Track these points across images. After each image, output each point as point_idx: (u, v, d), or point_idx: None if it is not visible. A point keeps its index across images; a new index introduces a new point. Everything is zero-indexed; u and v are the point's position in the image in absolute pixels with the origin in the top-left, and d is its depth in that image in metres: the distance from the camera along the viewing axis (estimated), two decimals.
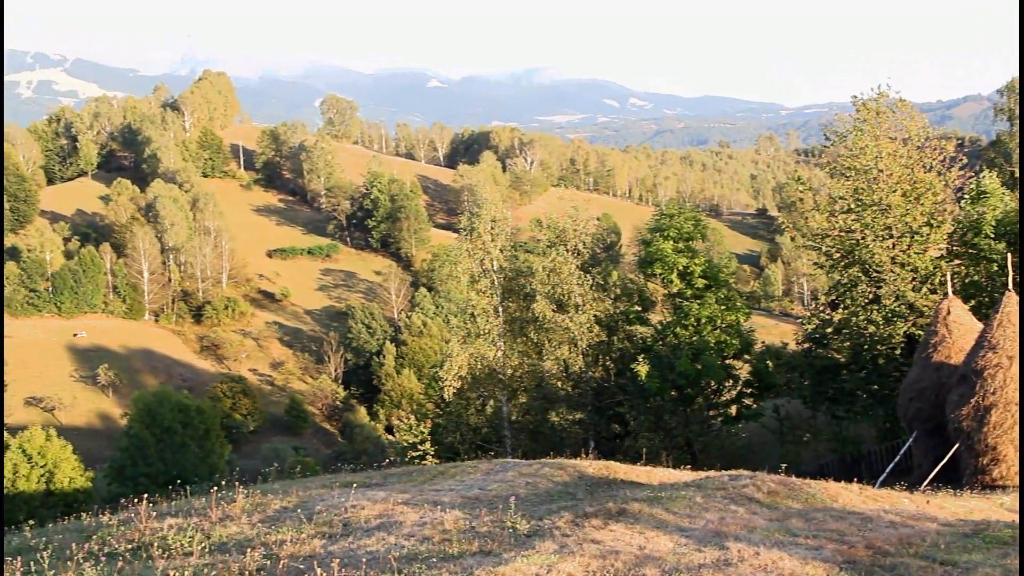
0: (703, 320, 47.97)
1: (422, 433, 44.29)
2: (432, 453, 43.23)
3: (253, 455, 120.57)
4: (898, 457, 35.97)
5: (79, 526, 21.11)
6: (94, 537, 18.06)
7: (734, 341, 48.20)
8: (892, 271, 43.62)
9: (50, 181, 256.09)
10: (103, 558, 16.02)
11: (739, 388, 50.60)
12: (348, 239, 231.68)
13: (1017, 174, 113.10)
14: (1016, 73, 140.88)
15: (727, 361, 49.17)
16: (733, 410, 50.39)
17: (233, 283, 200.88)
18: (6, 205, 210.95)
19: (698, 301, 48.37)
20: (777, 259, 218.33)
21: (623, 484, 23.46)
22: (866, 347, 44.44)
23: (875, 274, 44.15)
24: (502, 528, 16.48)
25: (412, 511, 18.37)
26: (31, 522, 23.41)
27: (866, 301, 44.40)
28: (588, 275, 49.79)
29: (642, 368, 46.08)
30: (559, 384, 51.53)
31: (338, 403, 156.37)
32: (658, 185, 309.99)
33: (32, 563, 15.63)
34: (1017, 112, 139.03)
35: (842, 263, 46.43)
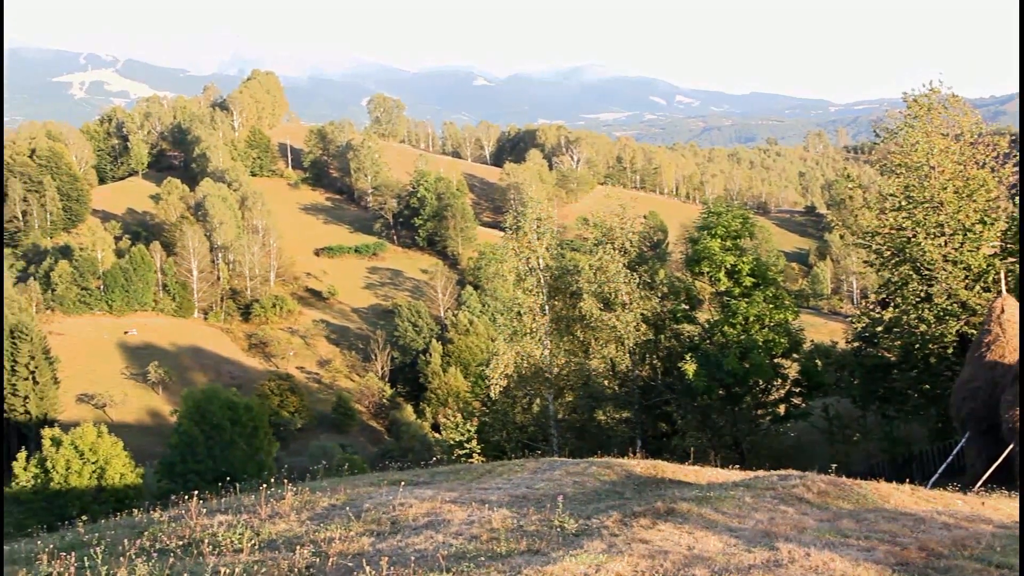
0: (751, 319, 47.53)
1: (468, 431, 44.39)
2: (478, 451, 43.31)
3: (301, 452, 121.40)
4: (951, 458, 35.46)
5: (131, 522, 21.31)
6: (146, 533, 18.22)
7: (782, 340, 47.73)
8: (944, 269, 42.99)
9: (102, 180, 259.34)
10: (155, 554, 16.15)
11: (787, 387, 50.09)
12: (395, 237, 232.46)
13: None
14: None
15: (775, 360, 48.70)
16: (781, 409, 49.93)
17: (281, 281, 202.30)
18: (59, 204, 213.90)
19: (746, 299, 47.93)
20: (826, 257, 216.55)
21: (671, 483, 23.32)
22: (917, 346, 43.82)
23: (926, 272, 43.54)
24: (550, 527, 16.42)
25: (460, 509, 18.36)
26: (83, 518, 23.65)
27: (917, 299, 43.78)
28: (635, 273, 49.55)
29: (689, 367, 45.79)
30: (606, 383, 51.37)
31: (385, 401, 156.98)
32: (705, 183, 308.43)
33: (85, 559, 15.79)
34: None
35: (892, 261, 45.82)
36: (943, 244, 43.45)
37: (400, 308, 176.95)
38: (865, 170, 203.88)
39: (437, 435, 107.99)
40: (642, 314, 49.16)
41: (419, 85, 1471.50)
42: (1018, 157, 47.12)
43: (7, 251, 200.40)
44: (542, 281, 50.22)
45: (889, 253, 45.87)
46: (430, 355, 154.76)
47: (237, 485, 24.72)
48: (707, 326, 49.62)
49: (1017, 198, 46.78)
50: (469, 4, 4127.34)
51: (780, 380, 49.74)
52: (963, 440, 34.43)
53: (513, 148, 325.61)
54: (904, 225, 44.56)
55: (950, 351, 43.44)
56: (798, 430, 51.58)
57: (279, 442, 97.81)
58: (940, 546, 14.80)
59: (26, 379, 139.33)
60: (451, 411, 55.37)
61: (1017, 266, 43.05)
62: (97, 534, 18.44)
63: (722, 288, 48.93)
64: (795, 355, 50.04)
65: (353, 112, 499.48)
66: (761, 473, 25.05)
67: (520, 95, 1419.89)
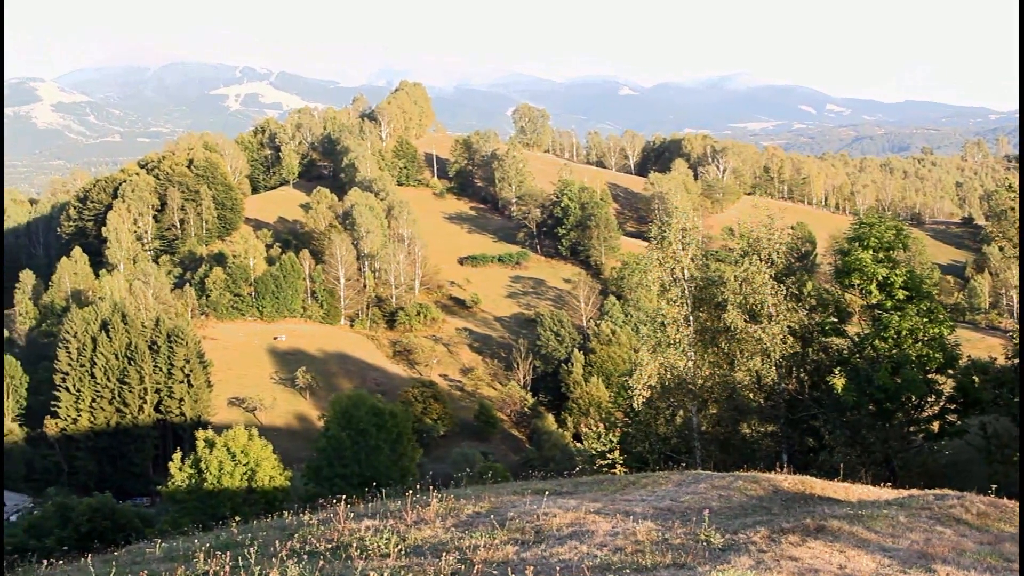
0: (903, 332, 46.11)
1: (611, 442, 44.12)
2: (621, 462, 43.00)
3: (443, 459, 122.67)
4: None
5: (281, 524, 21.82)
6: (296, 535, 18.61)
7: (937, 355, 46.15)
8: None
9: (254, 190, 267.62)
10: (304, 556, 16.49)
11: (942, 403, 48.38)
12: (538, 247, 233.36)
13: None
14: None
15: (929, 375, 47.11)
16: (935, 426, 48.23)
17: (425, 289, 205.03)
18: (214, 213, 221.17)
19: (898, 313, 46.52)
20: (984, 270, 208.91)
21: (820, 500, 22.75)
22: None
23: None
24: (696, 541, 16.17)
25: (604, 520, 18.22)
26: (236, 518, 24.32)
27: None
28: (782, 285, 48.64)
29: (838, 381, 44.72)
30: (751, 395, 50.51)
31: (526, 410, 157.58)
32: (856, 193, 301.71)
33: (239, 558, 16.19)
34: None
35: None
36: None
37: (542, 317, 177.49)
38: None
39: (579, 445, 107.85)
40: (789, 326, 48.19)
41: (564, 95, 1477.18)
42: None
43: (164, 257, 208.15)
44: (686, 292, 49.71)
45: None
46: (572, 364, 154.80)
47: (383, 490, 25.09)
48: (857, 340, 48.33)
49: None
50: (617, 15, 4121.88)
51: (934, 396, 48.08)
52: None
53: (658, 158, 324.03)
54: None
55: None
56: (953, 448, 49.74)
57: (422, 448, 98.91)
58: None
59: (181, 382, 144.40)
60: (593, 421, 55.14)
61: None
62: (249, 534, 18.93)
63: (873, 301, 47.60)
64: (950, 371, 48.27)
65: (499, 122, 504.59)
66: (915, 492, 24.23)
67: (666, 104, 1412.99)
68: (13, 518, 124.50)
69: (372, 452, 73.02)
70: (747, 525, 17.82)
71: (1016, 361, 48.28)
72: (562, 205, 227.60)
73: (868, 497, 24.09)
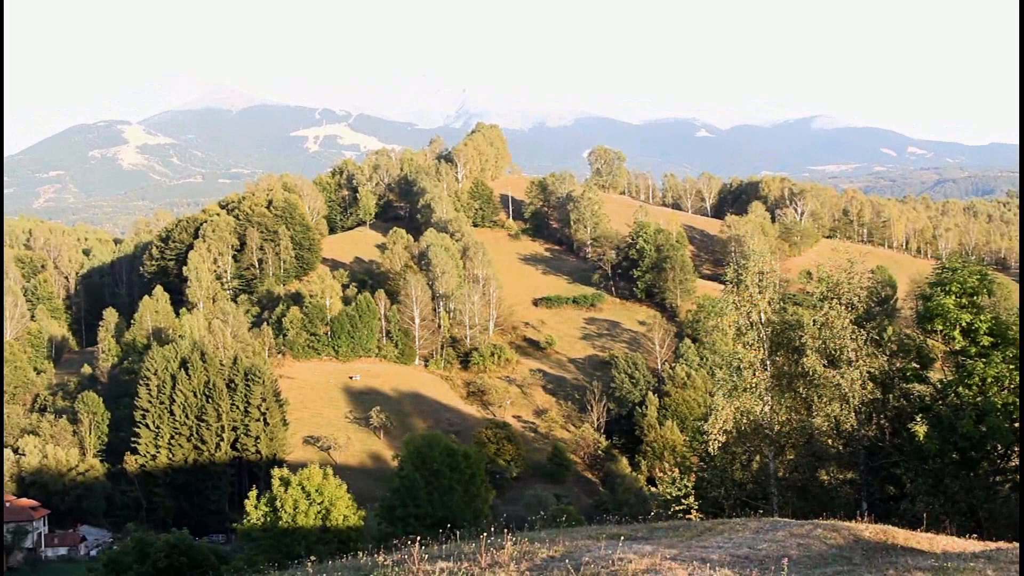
0: (989, 380, 44.90)
1: (686, 487, 43.57)
2: (696, 507, 42.43)
3: (516, 501, 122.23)
4: None
5: (355, 564, 21.81)
6: None
7: None
8: None
9: (332, 230, 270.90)
10: None
11: None
12: (613, 288, 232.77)
13: None
14: None
15: (1015, 424, 45.90)
16: None
17: (499, 330, 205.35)
18: (292, 253, 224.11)
19: (983, 359, 45.32)
20: None
21: (903, 551, 22.17)
22: None
23: None
24: None
25: (680, 567, 17.91)
26: (311, 558, 24.39)
27: None
28: (862, 330, 47.78)
29: (920, 428, 43.66)
30: (829, 441, 49.60)
31: (600, 452, 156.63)
32: (938, 237, 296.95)
33: None
34: None
35: None
36: None
37: (617, 359, 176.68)
38: None
39: (653, 489, 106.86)
40: (869, 372, 47.30)
41: (640, 136, 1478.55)
42: None
43: (243, 296, 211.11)
44: (763, 336, 49.05)
45: None
46: (646, 407, 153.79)
47: (456, 532, 24.99)
48: (940, 386, 47.23)
49: None
50: (694, 57, 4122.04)
51: (1021, 445, 46.80)
52: None
53: (735, 200, 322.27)
54: None
55: None
56: None
57: (495, 490, 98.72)
58: None
59: (258, 420, 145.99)
60: (668, 465, 54.61)
61: None
62: (325, 575, 18.90)
63: (957, 347, 46.48)
64: None
65: (574, 163, 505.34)
66: (1003, 545, 23.51)
67: (743, 146, 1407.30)
68: (94, 552, 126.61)
69: (445, 493, 73.01)
70: (827, 575, 17.40)
71: None
72: (637, 247, 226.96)
73: (953, 549, 23.43)
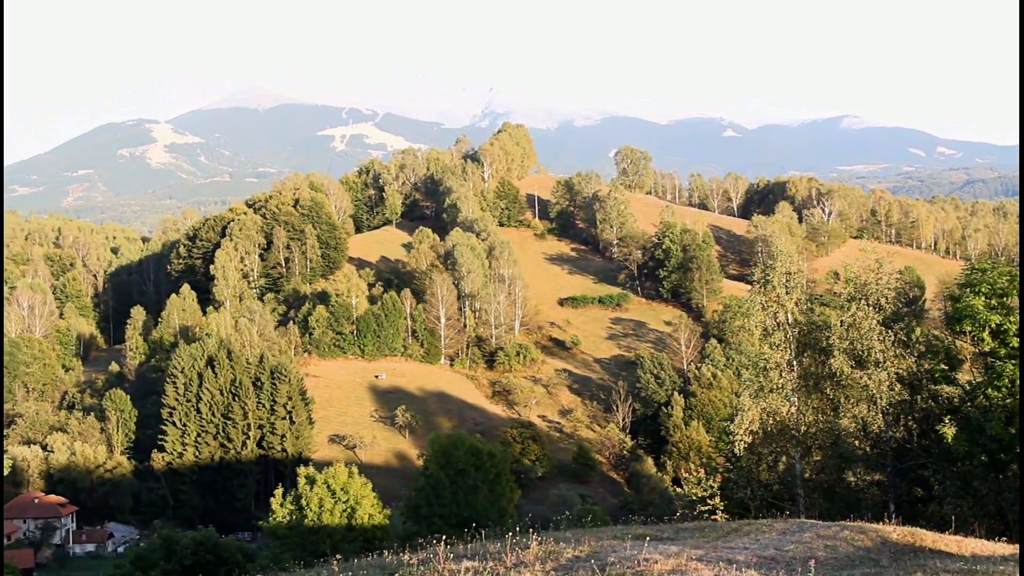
0: (1018, 382, 44.58)
1: (711, 488, 43.39)
2: (722, 508, 42.25)
3: (541, 500, 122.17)
4: None
5: (381, 563, 21.82)
6: (396, 575, 18.52)
7: None
8: None
9: (358, 229, 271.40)
10: None
11: None
12: (638, 288, 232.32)
13: None
14: None
15: None
16: None
17: (525, 330, 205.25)
18: (318, 252, 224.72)
19: (1012, 361, 44.94)
20: None
21: (931, 553, 22.00)
22: None
23: None
24: None
25: (706, 568, 17.82)
26: (337, 556, 24.41)
27: None
28: (890, 331, 47.41)
29: (948, 430, 43.30)
30: (856, 443, 49.27)
31: (625, 452, 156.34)
32: (967, 237, 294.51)
33: None
34: None
35: None
36: None
37: (643, 359, 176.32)
38: None
39: (678, 489, 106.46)
40: (896, 373, 46.95)
41: (666, 135, 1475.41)
42: None
43: (269, 295, 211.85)
44: (790, 336, 48.77)
45: None
46: (672, 408, 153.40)
47: (481, 531, 24.96)
48: (968, 388, 46.82)
49: None
50: (721, 57, 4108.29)
51: None
52: None
53: (762, 200, 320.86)
54: None
55: None
56: None
57: (520, 489, 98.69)
58: None
59: (284, 418, 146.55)
60: (693, 466, 54.44)
61: None
62: (350, 573, 18.91)
63: (986, 348, 46.05)
64: None
65: (600, 163, 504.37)
66: None
67: (770, 146, 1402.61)
68: (121, 549, 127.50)
69: (470, 492, 73.02)
70: None
71: None
72: (664, 247, 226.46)
73: (982, 552, 23.22)
